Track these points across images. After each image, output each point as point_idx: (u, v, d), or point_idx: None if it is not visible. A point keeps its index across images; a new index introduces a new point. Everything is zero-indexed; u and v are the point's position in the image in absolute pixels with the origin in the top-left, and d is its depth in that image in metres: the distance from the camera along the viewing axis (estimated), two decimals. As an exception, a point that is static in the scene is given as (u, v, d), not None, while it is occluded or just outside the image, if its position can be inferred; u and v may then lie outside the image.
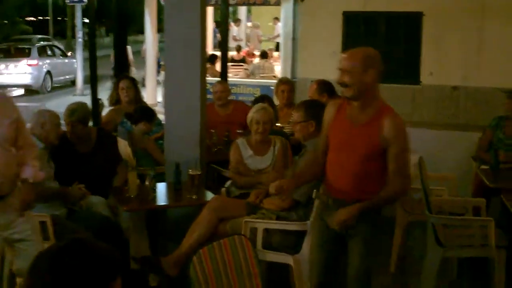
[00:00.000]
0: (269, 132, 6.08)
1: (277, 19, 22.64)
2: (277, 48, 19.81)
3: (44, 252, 2.23)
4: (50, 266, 2.13)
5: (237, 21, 25.74)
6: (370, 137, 4.08)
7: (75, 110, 6.13)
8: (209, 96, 8.95)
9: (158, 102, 16.60)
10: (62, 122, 5.97)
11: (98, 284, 2.16)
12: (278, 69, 15.83)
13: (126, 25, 10.76)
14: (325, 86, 7.37)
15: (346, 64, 4.10)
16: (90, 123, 6.63)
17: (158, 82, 18.01)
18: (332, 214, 4.17)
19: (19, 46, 23.58)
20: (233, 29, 24.36)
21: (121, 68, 9.71)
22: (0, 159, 4.32)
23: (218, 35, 20.75)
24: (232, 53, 19.41)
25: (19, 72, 21.47)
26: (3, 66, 21.58)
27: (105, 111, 8.35)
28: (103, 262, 2.19)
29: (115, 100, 7.80)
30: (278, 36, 21.08)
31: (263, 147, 6.04)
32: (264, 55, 17.33)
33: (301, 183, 4.67)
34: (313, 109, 5.36)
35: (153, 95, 17.55)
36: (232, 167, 6.09)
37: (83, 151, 6.12)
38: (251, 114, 6.06)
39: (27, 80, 21.47)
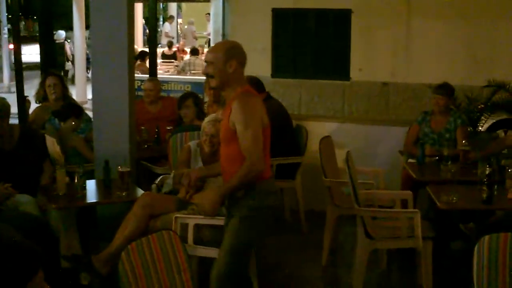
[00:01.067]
0: (217, 145, 5.90)
1: (209, 15, 22.63)
2: (209, 45, 19.79)
3: None
4: None
5: (170, 17, 25.60)
6: (225, 122, 4.38)
7: None
8: (140, 93, 8.91)
9: (88, 100, 16.39)
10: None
11: (19, 276, 2.18)
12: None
13: (52, 20, 10.60)
14: (253, 82, 7.40)
15: (209, 56, 4.43)
16: (16, 121, 6.50)
17: (87, 79, 17.79)
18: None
19: None
20: (166, 26, 24.23)
21: (48, 64, 9.53)
22: None
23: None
24: (163, 49, 19.33)
25: None
26: None
27: (32, 109, 8.20)
28: (22, 256, 2.22)
29: (42, 97, 7.68)
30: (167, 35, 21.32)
31: (213, 160, 5.82)
32: (194, 51, 17.27)
33: (211, 175, 5.07)
34: None
35: (83, 92, 17.32)
36: (176, 167, 6.04)
37: (6, 148, 5.99)
38: (203, 124, 5.98)
39: None
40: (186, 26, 25.29)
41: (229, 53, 4.33)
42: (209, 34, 22.46)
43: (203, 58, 17.09)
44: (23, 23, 30.74)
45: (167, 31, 23.84)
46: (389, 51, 10.56)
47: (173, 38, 23.76)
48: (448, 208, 5.31)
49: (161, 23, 27.25)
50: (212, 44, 13.71)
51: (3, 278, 2.16)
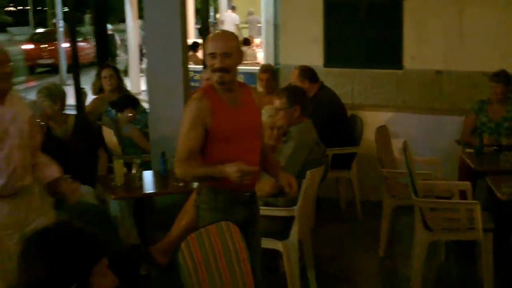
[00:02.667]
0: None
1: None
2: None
3: (34, 233, 2.39)
4: (38, 245, 2.28)
5: (233, 8, 25.36)
6: (257, 115, 4.15)
7: (44, 87, 6.18)
8: (192, 84, 8.93)
9: (142, 91, 16.53)
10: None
11: (85, 260, 2.31)
12: (261, 55, 15.79)
13: (107, 13, 10.70)
14: (307, 72, 7.40)
15: (225, 46, 3.93)
16: (73, 112, 6.58)
17: (141, 71, 17.93)
18: None
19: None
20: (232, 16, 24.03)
21: (103, 57, 9.63)
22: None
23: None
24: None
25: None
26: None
27: (88, 100, 8.30)
28: (89, 241, 2.35)
29: (98, 89, 7.76)
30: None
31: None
32: (246, 41, 17.26)
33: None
34: (296, 95, 5.37)
35: (136, 83, 17.47)
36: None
37: (61, 136, 6.08)
38: (264, 118, 5.94)
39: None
40: (249, 17, 25.07)
41: (239, 43, 4.13)
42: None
43: (254, 48, 17.13)
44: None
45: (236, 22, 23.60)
46: (442, 39, 10.41)
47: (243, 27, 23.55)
48: (509, 199, 5.21)
49: (212, 14, 27.19)
50: (263, 34, 13.71)
51: (71, 261, 2.27)
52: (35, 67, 24.23)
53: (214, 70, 3.92)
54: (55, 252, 2.25)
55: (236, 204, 4.07)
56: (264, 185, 5.24)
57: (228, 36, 4.06)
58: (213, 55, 3.91)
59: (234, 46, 3.97)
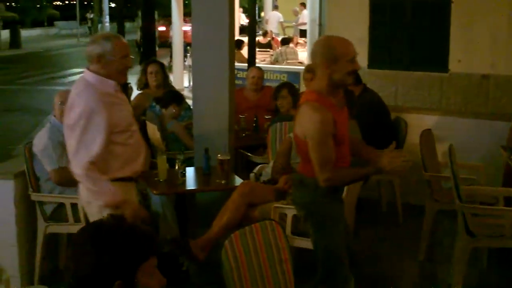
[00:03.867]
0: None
1: (303, 5, 22.40)
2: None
3: (87, 225, 2.42)
4: (91, 237, 2.29)
5: (275, 7, 25.30)
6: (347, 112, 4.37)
7: None
8: (236, 81, 8.96)
9: (185, 87, 16.63)
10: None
11: (134, 256, 2.30)
12: (304, 55, 15.77)
13: (154, 9, 10.77)
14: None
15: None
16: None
17: (185, 67, 18.02)
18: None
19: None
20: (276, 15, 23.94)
21: (149, 52, 9.71)
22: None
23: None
24: (258, 38, 19.37)
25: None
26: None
27: (133, 95, 8.37)
28: (140, 238, 2.33)
29: (143, 84, 7.82)
30: (303, 23, 20.90)
31: None
32: (285, 41, 17.24)
33: None
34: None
35: (180, 80, 17.58)
36: (275, 158, 6.06)
37: None
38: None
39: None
40: (271, 11, 25.05)
41: None
42: (298, 24, 22.14)
43: (294, 47, 17.13)
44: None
45: (303, 21, 23.52)
46: (489, 43, 10.33)
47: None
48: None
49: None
50: (308, 34, 13.70)
51: (121, 256, 2.26)
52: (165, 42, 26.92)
53: (353, 73, 4.14)
54: (106, 246, 2.26)
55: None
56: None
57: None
58: (353, 58, 4.09)
59: None
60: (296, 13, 23.21)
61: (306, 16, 23.47)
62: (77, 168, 4.14)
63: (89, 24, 43.55)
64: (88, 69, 4.25)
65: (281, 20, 23.91)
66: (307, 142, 4.06)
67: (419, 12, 11.08)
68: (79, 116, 4.10)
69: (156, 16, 21.99)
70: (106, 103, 4.15)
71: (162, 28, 29.41)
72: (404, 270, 6.19)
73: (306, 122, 4.08)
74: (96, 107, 4.10)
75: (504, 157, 6.90)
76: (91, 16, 43.02)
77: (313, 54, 4.20)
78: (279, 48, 17.55)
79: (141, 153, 4.48)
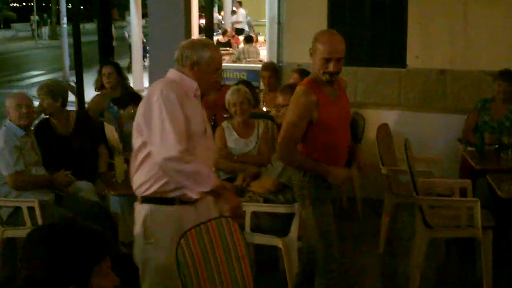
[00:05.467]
0: (249, 112, 6.08)
1: (239, 3, 22.41)
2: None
3: (39, 227, 2.40)
4: (43, 239, 2.24)
5: (240, 3, 25.24)
6: (348, 105, 4.55)
7: (45, 84, 6.17)
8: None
9: (145, 88, 16.53)
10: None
11: (88, 260, 2.25)
12: (264, 53, 15.78)
13: (110, 8, 10.70)
14: (306, 74, 7.42)
15: (341, 51, 4.27)
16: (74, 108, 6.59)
17: (144, 68, 17.92)
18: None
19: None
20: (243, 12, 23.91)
21: (106, 54, 9.63)
22: None
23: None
24: (217, 37, 19.33)
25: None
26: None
27: (90, 96, 8.30)
28: (94, 240, 2.29)
29: (100, 85, 7.76)
30: (239, 22, 21.01)
31: (247, 130, 6.08)
32: (248, 39, 17.25)
33: None
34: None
35: (139, 80, 17.46)
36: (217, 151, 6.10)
37: (62, 133, 6.10)
38: (227, 97, 6.07)
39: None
40: (240, 8, 24.98)
41: None
42: (235, 23, 22.03)
43: (257, 46, 17.13)
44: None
45: (238, 19, 23.48)
46: (446, 38, 10.40)
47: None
48: (509, 197, 5.21)
49: (216, 13, 27.13)
50: (267, 32, 13.69)
51: (71, 261, 2.22)
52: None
53: (327, 73, 4.24)
54: (59, 249, 2.22)
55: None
56: (265, 183, 5.27)
57: (341, 39, 4.32)
58: (328, 60, 4.21)
59: (344, 49, 4.29)
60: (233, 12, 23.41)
61: (241, 15, 23.57)
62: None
63: (34, 26, 42.29)
64: (175, 69, 3.94)
65: (247, 18, 23.90)
66: None
67: (378, 9, 11.12)
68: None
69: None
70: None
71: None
72: (365, 264, 6.22)
73: (290, 102, 4.34)
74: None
75: (460, 150, 7.00)
76: (36, 18, 42.00)
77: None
78: (241, 46, 17.54)
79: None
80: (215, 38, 18.29)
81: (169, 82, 3.84)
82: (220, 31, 21.18)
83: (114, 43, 19.84)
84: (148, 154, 3.79)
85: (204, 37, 4.02)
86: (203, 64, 3.83)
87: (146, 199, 3.92)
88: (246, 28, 22.80)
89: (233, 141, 6.01)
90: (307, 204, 4.43)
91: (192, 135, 3.78)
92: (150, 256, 3.93)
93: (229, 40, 19.52)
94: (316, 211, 4.42)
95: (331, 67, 4.22)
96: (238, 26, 21.17)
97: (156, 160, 3.72)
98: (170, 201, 3.85)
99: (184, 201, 3.85)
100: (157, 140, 3.70)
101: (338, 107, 4.39)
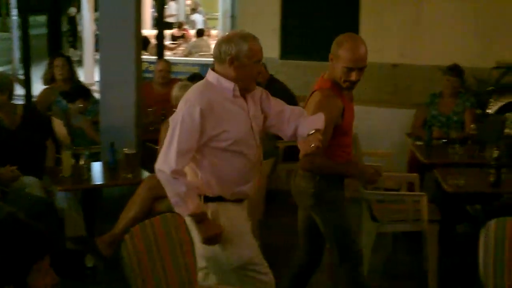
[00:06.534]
0: None
1: None
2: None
3: None
4: None
5: None
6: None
7: None
8: (147, 75, 8.89)
9: (96, 81, 16.34)
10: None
11: (27, 257, 2.22)
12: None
13: (59, 0, 10.58)
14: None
15: (364, 60, 4.18)
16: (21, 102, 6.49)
17: (96, 61, 17.72)
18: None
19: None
20: (171, 6, 23.83)
21: (56, 46, 9.52)
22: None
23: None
24: (172, 30, 19.20)
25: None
26: None
27: (38, 90, 8.19)
28: (34, 238, 2.26)
29: (49, 78, 7.66)
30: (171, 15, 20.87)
31: None
32: (200, 33, 17.18)
33: None
34: None
35: (91, 74, 17.27)
36: (161, 147, 6.07)
37: (9, 127, 6.00)
38: (175, 93, 6.04)
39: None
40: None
41: None
42: (168, 16, 21.86)
43: (208, 39, 17.10)
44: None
45: (171, 13, 23.36)
46: (398, 32, 10.49)
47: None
48: (455, 191, 5.28)
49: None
50: (220, 26, 13.67)
51: (10, 258, 2.19)
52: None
53: (348, 82, 4.15)
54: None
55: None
56: None
57: (364, 46, 4.18)
58: (351, 69, 4.11)
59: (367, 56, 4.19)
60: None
61: (173, 9, 23.45)
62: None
63: None
64: (213, 69, 3.80)
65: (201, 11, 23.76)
66: None
67: (330, 3, 11.17)
68: None
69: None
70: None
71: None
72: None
73: (316, 108, 4.10)
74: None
75: (409, 144, 7.07)
76: None
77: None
78: (193, 40, 17.47)
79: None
80: (170, 32, 18.22)
81: (204, 88, 3.77)
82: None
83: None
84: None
85: (241, 30, 3.88)
86: (242, 57, 3.69)
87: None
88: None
89: None
90: (325, 210, 4.35)
91: (235, 141, 3.73)
92: None
93: (183, 34, 19.42)
94: (335, 214, 4.35)
95: (354, 76, 4.12)
96: (170, 19, 20.97)
97: (155, 165, 3.76)
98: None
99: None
100: (163, 149, 3.74)
101: (352, 111, 4.38)
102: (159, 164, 3.69)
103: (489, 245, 3.59)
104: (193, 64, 13.85)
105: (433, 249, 5.34)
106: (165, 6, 21.66)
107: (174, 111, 6.36)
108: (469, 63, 8.73)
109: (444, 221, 5.53)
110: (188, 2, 25.23)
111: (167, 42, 16.44)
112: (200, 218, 3.70)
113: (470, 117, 6.92)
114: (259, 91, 3.94)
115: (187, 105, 3.67)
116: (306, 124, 3.90)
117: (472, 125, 6.60)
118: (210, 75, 3.78)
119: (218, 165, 3.75)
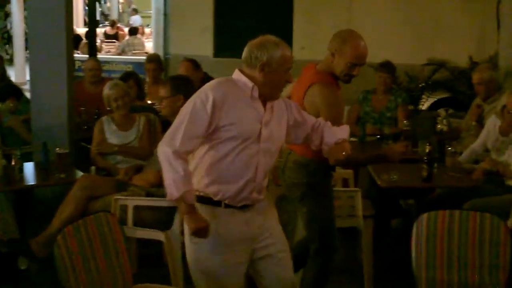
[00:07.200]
0: (129, 105, 6.08)
1: None
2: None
3: None
4: None
5: None
6: None
7: None
8: (80, 73, 8.76)
9: (27, 80, 16.07)
10: None
11: None
12: (150, 45, 15.65)
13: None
14: (196, 63, 7.45)
15: (366, 57, 4.42)
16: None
17: (27, 60, 17.42)
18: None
19: None
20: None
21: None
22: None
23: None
24: (105, 29, 19.02)
25: None
26: None
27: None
28: None
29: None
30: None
31: (127, 122, 6.07)
32: (133, 31, 17.05)
33: None
34: (180, 84, 5.34)
35: (22, 73, 16.97)
36: (93, 146, 6.03)
37: None
38: (106, 92, 6.01)
39: None
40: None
41: None
42: None
43: (142, 38, 16.99)
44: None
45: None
46: (331, 29, 10.55)
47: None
48: (388, 186, 5.35)
49: (103, 2, 26.67)
50: (152, 24, 13.55)
51: None
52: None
53: (348, 76, 4.37)
54: None
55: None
56: (147, 175, 5.22)
57: (365, 44, 4.41)
58: (355, 65, 4.32)
59: None
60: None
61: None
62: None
63: None
64: (240, 70, 3.70)
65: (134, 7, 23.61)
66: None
67: (264, 1, 11.21)
68: None
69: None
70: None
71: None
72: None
73: (327, 102, 4.28)
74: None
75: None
76: None
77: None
78: (126, 38, 17.32)
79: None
80: (102, 30, 18.03)
81: (224, 81, 3.68)
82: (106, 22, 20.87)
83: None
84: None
85: (273, 36, 3.77)
86: (274, 64, 3.63)
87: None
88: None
89: (112, 133, 5.99)
90: (313, 201, 4.46)
91: (237, 137, 3.59)
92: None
93: (116, 32, 19.24)
94: (322, 205, 4.50)
95: (356, 71, 4.34)
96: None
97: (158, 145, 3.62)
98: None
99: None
100: (169, 131, 3.60)
101: (344, 102, 4.54)
102: (163, 144, 3.56)
103: (421, 238, 3.66)
104: (127, 63, 13.71)
105: (368, 244, 5.39)
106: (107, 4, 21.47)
107: (108, 110, 6.36)
108: (401, 60, 8.87)
109: (379, 216, 5.60)
110: (121, 0, 25.09)
111: (100, 41, 16.29)
112: (188, 209, 3.54)
113: (402, 113, 7.01)
114: (283, 104, 3.85)
115: (201, 93, 3.59)
116: (332, 134, 3.97)
117: (404, 121, 6.70)
118: (236, 74, 3.71)
119: (216, 159, 3.62)
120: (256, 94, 3.63)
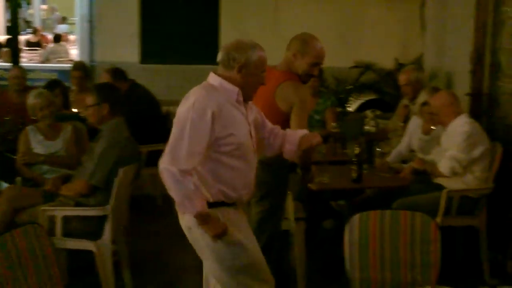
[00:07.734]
0: (55, 114, 5.98)
1: None
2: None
3: None
4: None
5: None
6: None
7: None
8: (2, 82, 8.57)
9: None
10: None
11: None
12: (74, 52, 15.42)
13: None
14: (118, 73, 7.35)
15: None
16: None
17: None
18: None
19: None
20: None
21: None
22: None
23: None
24: (27, 36, 18.63)
25: None
26: None
27: None
28: None
29: None
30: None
31: (53, 132, 5.96)
32: (57, 38, 16.76)
33: None
34: (106, 92, 5.29)
35: None
36: (19, 157, 5.89)
37: None
38: (31, 102, 5.91)
39: None
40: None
41: None
42: None
43: (66, 45, 16.74)
44: None
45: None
46: (258, 35, 10.62)
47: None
48: (319, 189, 5.37)
49: (24, 8, 26.08)
50: (77, 31, 13.35)
51: None
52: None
53: (309, 75, 4.73)
54: None
55: None
56: (76, 185, 5.13)
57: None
58: (316, 64, 4.68)
59: None
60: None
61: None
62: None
63: None
64: (215, 73, 3.75)
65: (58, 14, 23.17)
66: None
67: (190, 6, 11.17)
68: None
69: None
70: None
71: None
72: (184, 260, 6.15)
73: (299, 96, 4.55)
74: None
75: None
76: None
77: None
78: (50, 45, 17.00)
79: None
80: (24, 38, 17.65)
81: (208, 90, 3.67)
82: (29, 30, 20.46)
83: None
84: None
85: (247, 39, 3.78)
86: (251, 66, 3.70)
87: None
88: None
89: (38, 142, 5.86)
90: (271, 198, 4.73)
91: (236, 143, 3.68)
92: None
93: (39, 40, 18.86)
94: (279, 202, 4.86)
95: (316, 70, 4.70)
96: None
97: (160, 164, 3.60)
98: None
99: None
100: (169, 148, 3.59)
101: None
102: (166, 164, 3.56)
103: (353, 239, 3.67)
104: (51, 71, 13.44)
105: (300, 246, 5.41)
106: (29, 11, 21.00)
107: (33, 119, 6.22)
108: (328, 63, 8.91)
109: (310, 219, 5.61)
110: (44, 7, 24.61)
111: (22, 48, 15.93)
112: (206, 218, 3.62)
113: (331, 116, 7.06)
114: (253, 104, 3.96)
115: (195, 106, 3.57)
116: (293, 132, 4.15)
117: (333, 123, 6.74)
118: (213, 78, 3.73)
119: (219, 171, 3.70)
120: (241, 98, 3.73)
